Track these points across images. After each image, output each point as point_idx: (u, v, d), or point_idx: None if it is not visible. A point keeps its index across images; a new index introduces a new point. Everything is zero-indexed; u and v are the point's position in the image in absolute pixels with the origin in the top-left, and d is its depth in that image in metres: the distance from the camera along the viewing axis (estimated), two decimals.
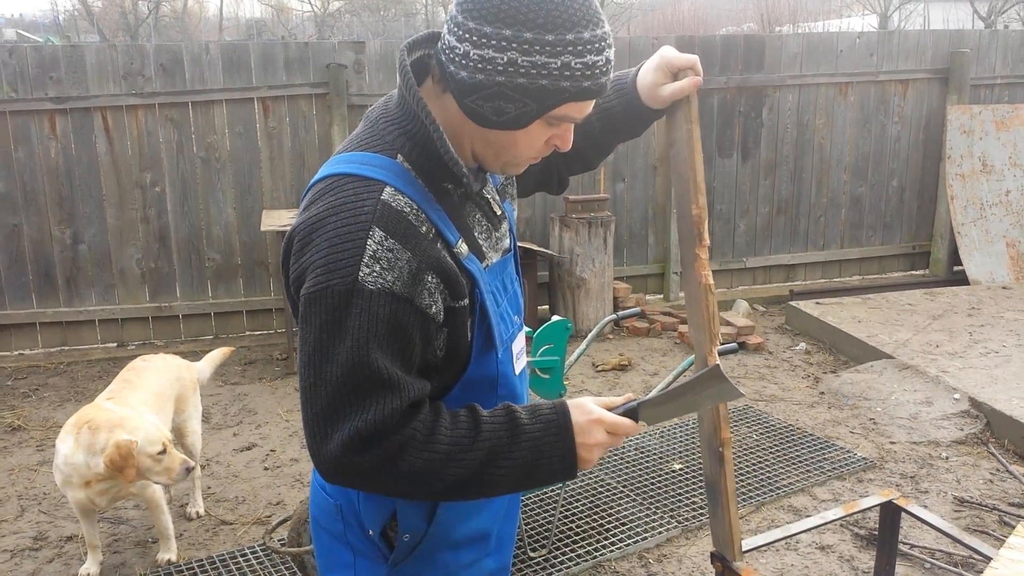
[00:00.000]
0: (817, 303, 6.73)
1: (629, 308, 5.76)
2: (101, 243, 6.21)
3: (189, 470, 3.28)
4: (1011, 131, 7.53)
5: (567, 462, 1.42)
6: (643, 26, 37.66)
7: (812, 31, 24.64)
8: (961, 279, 7.39)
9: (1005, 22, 24.22)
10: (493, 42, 1.31)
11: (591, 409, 1.44)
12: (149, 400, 3.63)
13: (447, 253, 1.40)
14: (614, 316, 4.04)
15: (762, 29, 30.22)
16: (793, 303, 6.77)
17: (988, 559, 2.09)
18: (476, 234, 1.51)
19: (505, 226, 1.63)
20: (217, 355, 4.21)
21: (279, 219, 5.86)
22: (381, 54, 6.45)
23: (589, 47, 1.33)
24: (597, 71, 1.36)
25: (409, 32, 34.72)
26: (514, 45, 1.31)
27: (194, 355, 6.16)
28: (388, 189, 1.36)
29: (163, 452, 3.22)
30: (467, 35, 1.33)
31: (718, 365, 1.45)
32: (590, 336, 3.95)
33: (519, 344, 1.65)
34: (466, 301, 1.44)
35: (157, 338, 6.36)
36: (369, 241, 1.32)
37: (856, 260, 7.85)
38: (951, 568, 3.48)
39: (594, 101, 1.44)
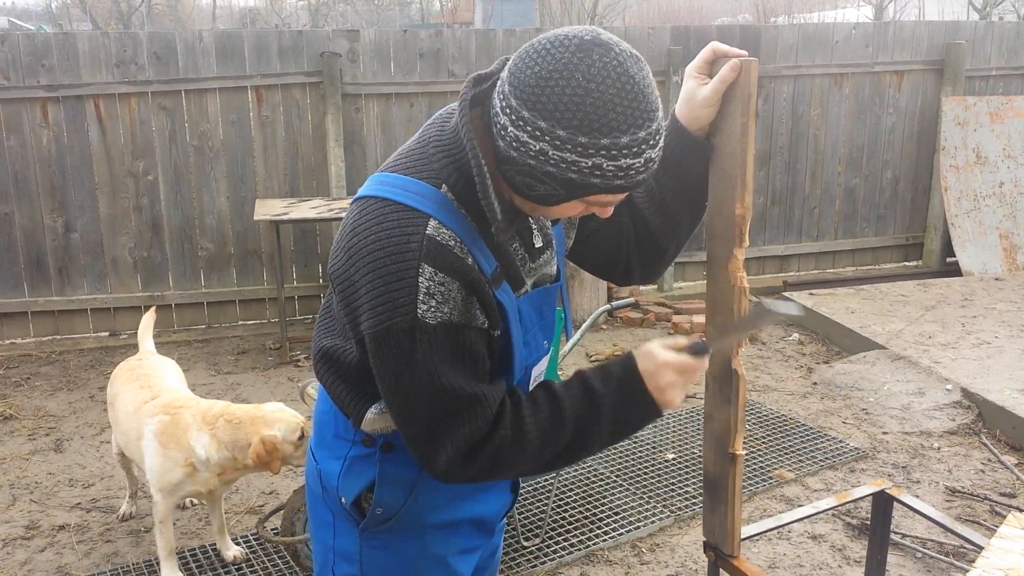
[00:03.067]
0: (811, 294, 6.74)
1: (623, 299, 5.76)
2: (93, 232, 6.18)
3: None
4: (1005, 123, 7.54)
5: (649, 410, 1.51)
6: (639, 16, 37.61)
7: (807, 22, 24.62)
8: (954, 270, 7.40)
9: (1000, 14, 24.22)
10: (528, 128, 1.29)
11: (656, 354, 1.50)
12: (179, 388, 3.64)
13: (484, 284, 1.43)
14: (608, 307, 4.04)
15: (758, 20, 30.20)
16: (787, 294, 6.78)
17: (979, 548, 2.10)
18: (516, 261, 1.53)
19: (548, 255, 1.62)
20: (148, 322, 4.15)
21: (272, 208, 5.84)
22: (376, 43, 6.42)
23: (625, 151, 1.29)
24: (632, 172, 1.32)
25: (404, 21, 34.62)
26: (547, 138, 1.29)
27: (187, 344, 6.17)
28: (432, 223, 1.38)
29: (301, 437, 3.20)
30: (508, 110, 1.32)
31: (761, 302, 1.54)
32: (584, 326, 3.95)
33: (540, 368, 1.67)
34: (497, 332, 1.48)
35: None
36: (420, 278, 1.36)
37: (849, 251, 7.86)
38: (942, 557, 3.50)
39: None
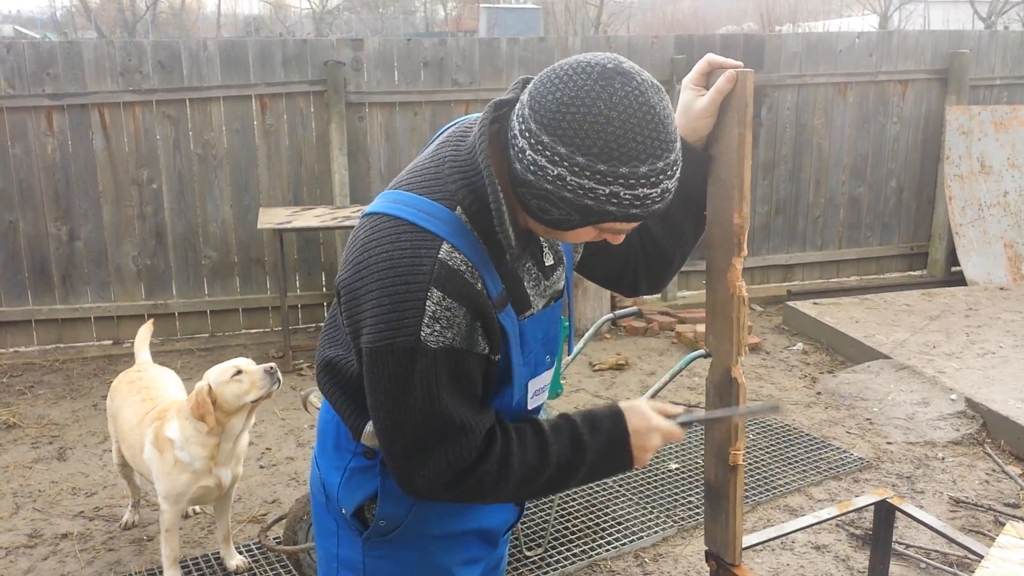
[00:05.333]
0: (815, 303, 6.73)
1: (626, 308, 5.75)
2: (97, 240, 6.20)
3: (270, 371, 3.22)
4: (1010, 132, 7.53)
5: (624, 466, 1.57)
6: (642, 25, 37.69)
7: (812, 31, 24.64)
8: (959, 280, 7.39)
9: (1005, 23, 24.24)
10: (547, 153, 1.29)
11: (650, 416, 1.56)
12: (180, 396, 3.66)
13: (491, 309, 1.43)
14: (611, 315, 4.03)
15: (762, 28, 30.25)
16: (791, 303, 6.77)
17: (981, 558, 2.09)
18: (525, 283, 1.53)
19: (559, 272, 1.63)
20: (145, 335, 4.17)
21: (276, 217, 5.85)
22: (379, 52, 6.44)
23: (643, 181, 1.29)
24: (649, 201, 1.32)
25: (408, 30, 34.72)
26: (565, 164, 1.28)
27: (190, 353, 6.18)
28: (445, 246, 1.38)
29: (238, 373, 3.20)
30: (528, 134, 1.32)
31: (749, 406, 1.72)
32: (587, 335, 3.94)
33: (542, 381, 1.67)
34: (498, 356, 1.49)
35: (153, 336, 6.29)
36: (428, 302, 1.36)
37: (854, 260, 7.85)
38: (946, 568, 3.48)
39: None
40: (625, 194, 1.30)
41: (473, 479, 1.46)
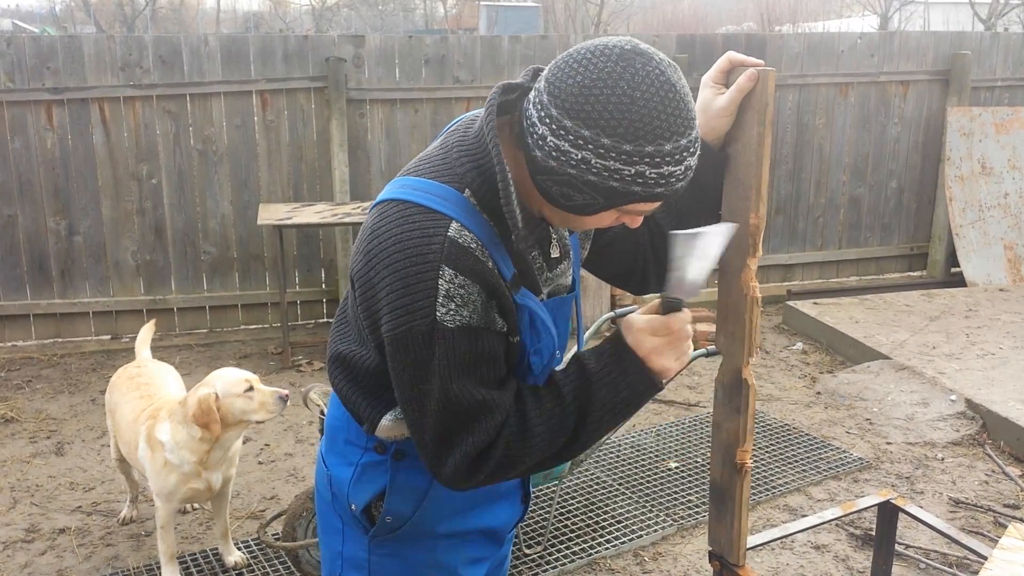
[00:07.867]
0: (815, 303, 6.72)
1: (626, 306, 5.75)
2: (96, 235, 6.18)
3: (284, 399, 3.22)
4: (1010, 134, 7.53)
5: (645, 379, 1.48)
6: (643, 24, 37.69)
7: (812, 31, 24.66)
8: (958, 281, 7.39)
9: (1005, 24, 24.26)
10: (571, 137, 1.29)
11: (632, 323, 1.49)
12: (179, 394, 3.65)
13: (504, 288, 1.42)
14: (611, 314, 4.02)
15: (762, 28, 30.26)
16: (790, 303, 6.76)
17: (984, 559, 2.09)
18: (534, 269, 1.53)
19: (564, 266, 1.62)
20: (146, 334, 4.16)
21: (276, 213, 5.83)
22: (381, 48, 6.42)
23: (668, 158, 1.29)
24: (673, 179, 1.32)
25: (408, 27, 34.70)
26: (590, 146, 1.28)
27: (189, 348, 6.16)
28: (454, 225, 1.37)
29: (250, 389, 3.18)
30: (548, 120, 1.31)
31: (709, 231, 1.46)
32: (587, 334, 3.93)
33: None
34: (516, 338, 1.47)
35: None
36: (440, 281, 1.35)
37: (854, 261, 7.85)
38: (946, 569, 3.48)
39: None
40: (651, 173, 1.29)
41: (498, 453, 1.43)
